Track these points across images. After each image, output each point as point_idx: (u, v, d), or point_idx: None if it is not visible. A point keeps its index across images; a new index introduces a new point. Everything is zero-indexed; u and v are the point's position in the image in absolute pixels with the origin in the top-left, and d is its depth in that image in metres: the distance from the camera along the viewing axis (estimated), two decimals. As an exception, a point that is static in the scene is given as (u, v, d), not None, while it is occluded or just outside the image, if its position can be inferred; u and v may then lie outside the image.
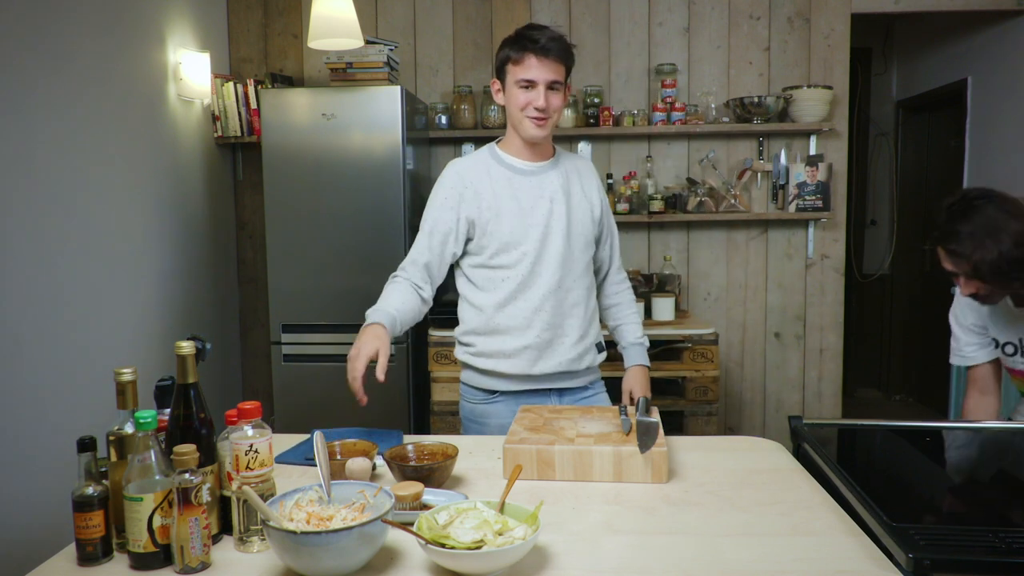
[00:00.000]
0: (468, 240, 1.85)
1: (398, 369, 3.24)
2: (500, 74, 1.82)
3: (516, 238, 1.81)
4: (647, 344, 2.00)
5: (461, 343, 1.93)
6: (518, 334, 1.83)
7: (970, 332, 1.92)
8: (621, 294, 2.04)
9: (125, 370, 1.17)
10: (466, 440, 1.71)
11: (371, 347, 1.60)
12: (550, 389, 1.89)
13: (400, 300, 1.77)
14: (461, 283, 1.92)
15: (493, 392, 1.88)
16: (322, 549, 1.02)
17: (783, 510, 1.30)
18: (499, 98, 1.84)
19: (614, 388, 1.99)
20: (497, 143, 1.92)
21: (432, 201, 1.86)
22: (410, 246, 1.89)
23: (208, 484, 1.12)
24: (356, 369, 1.57)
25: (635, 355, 1.97)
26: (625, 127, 3.63)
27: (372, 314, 1.71)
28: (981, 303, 1.81)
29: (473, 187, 1.82)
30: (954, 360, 1.98)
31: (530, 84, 1.74)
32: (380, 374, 1.59)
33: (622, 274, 2.06)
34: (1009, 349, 1.86)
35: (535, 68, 1.73)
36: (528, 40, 1.73)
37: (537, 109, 1.75)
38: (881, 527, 1.13)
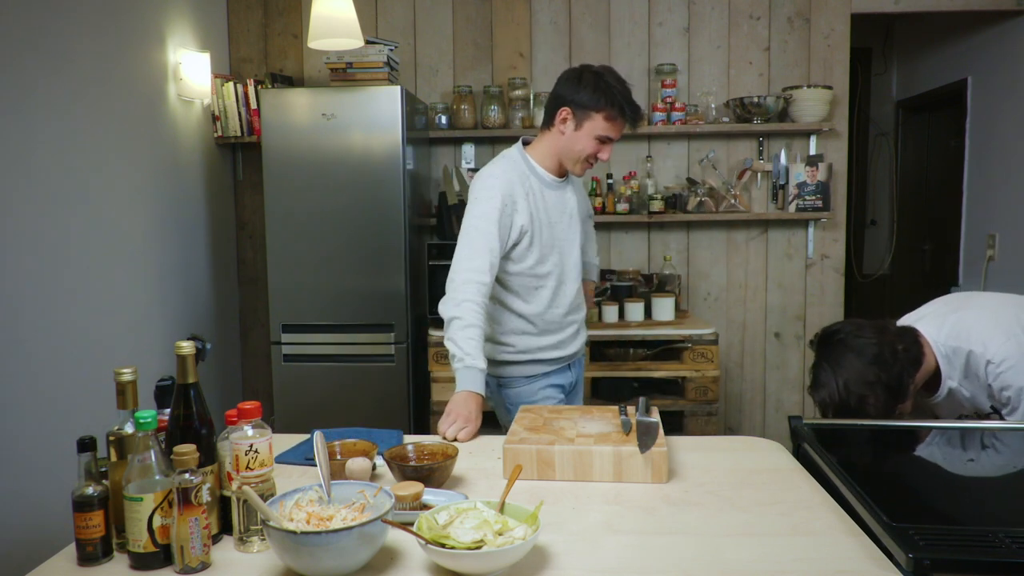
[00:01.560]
0: (513, 246, 1.97)
1: (398, 369, 3.24)
2: (578, 110, 1.90)
3: (549, 249, 2.01)
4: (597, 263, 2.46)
5: (498, 344, 2.04)
6: (552, 335, 2.07)
7: None
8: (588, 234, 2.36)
9: (125, 370, 1.17)
10: (466, 441, 1.72)
11: (477, 424, 1.75)
12: (569, 364, 2.16)
13: (482, 347, 1.85)
14: (496, 289, 2.01)
15: (534, 376, 2.07)
16: (322, 549, 1.02)
17: (783, 510, 1.30)
18: (564, 126, 1.93)
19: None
20: (526, 148, 2.03)
21: (490, 202, 1.92)
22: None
23: (208, 484, 1.12)
24: (460, 436, 1.70)
25: (590, 273, 2.40)
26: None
27: (474, 379, 1.79)
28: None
29: (524, 196, 1.96)
30: None
31: (608, 140, 1.93)
32: (464, 439, 1.72)
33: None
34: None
35: (620, 131, 1.94)
36: (630, 110, 1.89)
37: (599, 159, 1.96)
38: (881, 527, 1.13)
